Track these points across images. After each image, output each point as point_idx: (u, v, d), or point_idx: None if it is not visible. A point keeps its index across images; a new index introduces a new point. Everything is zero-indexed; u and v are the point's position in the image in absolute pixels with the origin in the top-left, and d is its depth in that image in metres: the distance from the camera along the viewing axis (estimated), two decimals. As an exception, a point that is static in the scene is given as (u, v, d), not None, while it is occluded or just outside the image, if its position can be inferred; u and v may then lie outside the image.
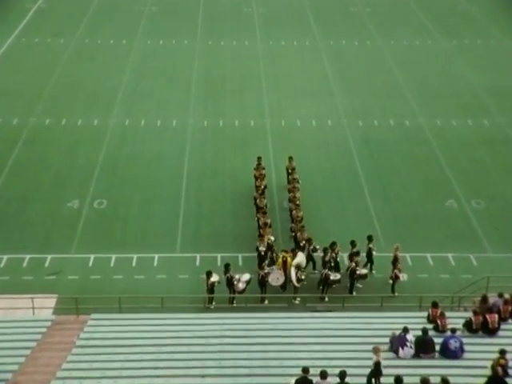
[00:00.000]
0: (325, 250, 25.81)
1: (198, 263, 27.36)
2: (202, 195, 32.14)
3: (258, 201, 28.93)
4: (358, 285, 25.73)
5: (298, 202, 28.67)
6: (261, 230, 27.22)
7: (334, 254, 25.75)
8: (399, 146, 36.42)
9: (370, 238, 26.32)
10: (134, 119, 39.03)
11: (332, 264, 25.65)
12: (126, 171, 34.05)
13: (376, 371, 17.81)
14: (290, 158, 31.14)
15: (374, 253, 26.29)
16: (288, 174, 30.86)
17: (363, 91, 42.60)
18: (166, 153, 35.67)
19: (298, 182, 29.84)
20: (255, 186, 30.05)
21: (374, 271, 26.38)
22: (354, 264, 25.36)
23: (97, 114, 39.39)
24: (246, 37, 51.32)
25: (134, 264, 27.34)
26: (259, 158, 31.35)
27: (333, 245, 25.88)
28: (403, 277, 25.33)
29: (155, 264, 27.36)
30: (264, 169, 30.93)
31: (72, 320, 22.32)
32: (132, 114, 39.59)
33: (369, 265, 26.43)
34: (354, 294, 25.28)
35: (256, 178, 30.49)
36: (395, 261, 25.81)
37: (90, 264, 27.31)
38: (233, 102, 41.19)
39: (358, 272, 25.34)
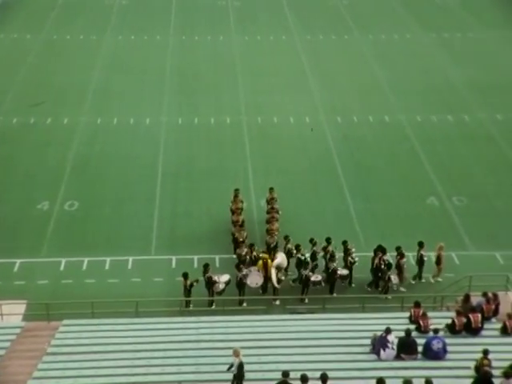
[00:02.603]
0: (297, 250, 25.84)
1: (173, 265, 27.26)
2: (177, 195, 32.03)
3: (237, 235, 27.03)
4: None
5: (276, 233, 27.17)
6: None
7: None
8: (379, 143, 36.62)
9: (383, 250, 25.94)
10: (105, 117, 38.78)
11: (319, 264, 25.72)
12: (98, 171, 33.82)
13: (239, 374, 17.84)
14: (271, 189, 29.02)
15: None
16: (267, 203, 28.79)
17: (342, 87, 42.75)
18: (140, 152, 35.49)
19: (277, 212, 28.10)
20: (232, 220, 28.04)
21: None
22: (334, 264, 25.42)
23: (67, 113, 39.08)
24: (220, 31, 51.24)
25: (107, 267, 27.15)
26: (236, 190, 29.07)
27: (299, 245, 25.93)
28: (395, 279, 25.42)
29: (129, 267, 27.20)
30: (242, 202, 28.77)
31: (43, 326, 22.12)
32: (104, 112, 39.35)
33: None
34: (335, 294, 25.36)
35: (233, 211, 28.29)
36: (439, 261, 25.97)
37: (61, 268, 27.08)
38: (208, 99, 41.10)
39: (338, 272, 25.41)
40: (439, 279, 26.29)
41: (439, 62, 46.29)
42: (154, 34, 50.43)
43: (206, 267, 24.75)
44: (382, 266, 25.44)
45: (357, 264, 25.86)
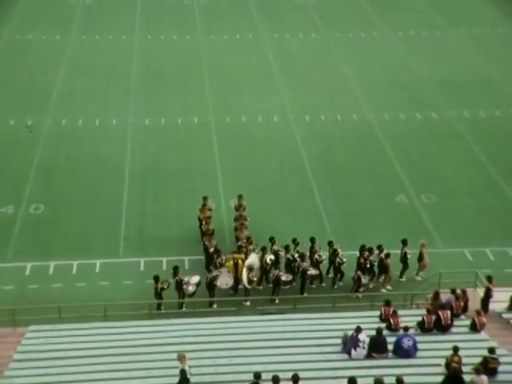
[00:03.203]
0: (263, 249, 25.87)
1: (142, 268, 27.14)
2: (145, 197, 31.88)
3: (207, 243, 26.67)
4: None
5: (244, 241, 26.72)
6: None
7: (289, 255, 25.86)
8: (347, 142, 36.83)
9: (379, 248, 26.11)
10: (70, 119, 38.43)
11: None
12: (64, 173, 33.51)
13: (183, 379, 17.85)
14: (240, 196, 28.64)
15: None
16: (236, 210, 28.45)
17: (309, 85, 42.91)
18: (106, 153, 35.24)
19: (245, 219, 27.80)
20: (201, 230, 27.71)
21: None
22: (305, 264, 25.50)
23: (31, 114, 38.62)
24: (186, 30, 51.08)
25: (74, 271, 26.92)
26: (204, 199, 28.51)
27: (288, 246, 26.02)
28: (365, 278, 25.57)
29: (97, 270, 27.01)
30: (210, 210, 28.31)
31: (8, 333, 21.87)
32: (69, 114, 38.98)
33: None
34: (306, 294, 25.45)
35: (200, 220, 27.88)
36: (421, 257, 26.23)
37: (27, 272, 26.77)
38: (175, 99, 40.98)
39: (309, 272, 25.50)
40: (418, 278, 26.49)
41: (406, 59, 46.72)
42: (119, 33, 50.08)
43: (175, 269, 24.67)
44: (368, 266, 25.54)
45: (345, 265, 25.88)
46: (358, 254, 25.92)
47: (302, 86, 42.78)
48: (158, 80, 43.30)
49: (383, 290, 25.86)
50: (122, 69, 44.64)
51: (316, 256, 25.99)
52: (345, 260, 25.97)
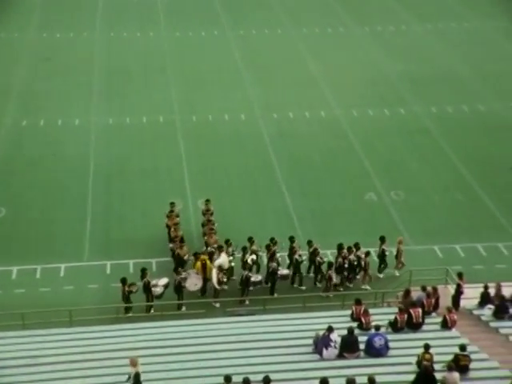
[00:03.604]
0: (244, 250, 25.93)
1: (108, 271, 26.97)
2: (111, 198, 31.67)
3: (178, 251, 26.27)
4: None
5: (215, 246, 26.62)
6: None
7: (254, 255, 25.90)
8: (315, 139, 36.97)
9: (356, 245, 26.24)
10: (31, 119, 38.00)
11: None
12: (26, 175, 33.13)
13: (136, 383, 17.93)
14: (207, 201, 28.43)
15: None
16: (204, 215, 28.25)
17: (276, 82, 42.98)
18: (69, 154, 34.92)
19: (213, 224, 27.55)
20: (169, 236, 27.45)
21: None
22: (274, 264, 25.54)
23: (-10, 115, 38.17)
24: (150, 27, 50.83)
25: (37, 276, 26.63)
26: (172, 205, 28.19)
27: (269, 245, 25.96)
28: (336, 278, 25.65)
29: (61, 274, 26.76)
30: (178, 216, 27.99)
31: (-29, 341, 21.54)
32: (29, 114, 38.53)
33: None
34: (276, 295, 25.49)
35: (169, 227, 27.65)
36: (398, 254, 26.41)
37: (-11, 278, 26.46)
38: (139, 98, 40.75)
39: (279, 272, 25.55)
40: (397, 274, 26.69)
41: (373, 55, 47.06)
42: (80, 30, 49.65)
43: (143, 272, 24.57)
44: (346, 266, 25.65)
45: (325, 264, 25.90)
46: (331, 253, 25.98)
47: (268, 83, 42.82)
48: (122, 78, 43.00)
49: (363, 287, 25.95)
50: (83, 67, 44.24)
51: (296, 256, 26.02)
52: (325, 259, 26.04)
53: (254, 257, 25.82)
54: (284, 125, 38.32)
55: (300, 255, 26.05)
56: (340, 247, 25.91)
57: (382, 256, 26.58)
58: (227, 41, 48.96)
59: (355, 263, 25.85)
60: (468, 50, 47.83)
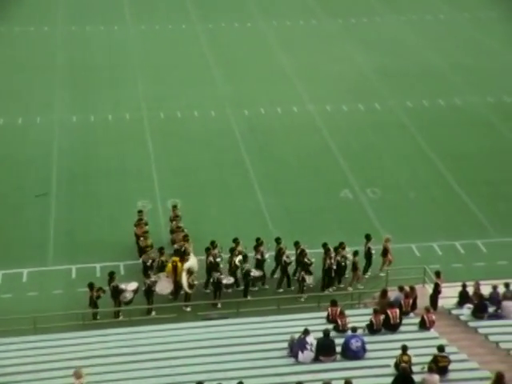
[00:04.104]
0: (231, 251, 25.86)
1: (74, 276, 26.83)
2: (75, 200, 31.47)
3: (144, 258, 26.09)
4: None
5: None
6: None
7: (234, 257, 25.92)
8: (288, 135, 37.08)
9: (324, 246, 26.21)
10: (-10, 118, 37.70)
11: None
12: (-15, 177, 32.83)
13: None
14: (174, 207, 28.25)
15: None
16: (171, 222, 27.99)
17: (247, 77, 43.03)
18: (31, 154, 34.62)
19: (182, 230, 27.10)
20: (139, 246, 27.00)
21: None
22: (247, 265, 25.60)
23: None
24: (115, 21, 50.53)
25: (-1, 282, 26.42)
26: (140, 213, 27.94)
27: (257, 246, 26.01)
28: (309, 279, 25.70)
29: (24, 280, 26.54)
30: (147, 225, 27.55)
31: None
32: (-12, 113, 38.21)
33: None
34: (249, 297, 25.55)
35: (138, 236, 27.21)
36: (386, 252, 26.55)
37: None
38: (104, 95, 40.54)
39: (252, 274, 25.61)
40: (383, 274, 26.75)
41: (347, 48, 47.28)
42: (41, 24, 49.21)
43: (111, 275, 24.48)
44: (334, 267, 25.70)
45: (313, 265, 25.89)
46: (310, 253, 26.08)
47: (239, 78, 42.87)
48: (85, 74, 42.74)
49: (349, 288, 26.14)
50: (44, 63, 43.90)
51: (284, 258, 26.01)
52: (313, 260, 26.07)
53: (240, 258, 25.85)
54: (255, 121, 38.37)
55: (288, 256, 26.05)
56: (327, 248, 25.93)
57: (368, 255, 26.71)
58: (196, 34, 48.88)
59: (342, 264, 25.92)
60: (444, 42, 48.29)
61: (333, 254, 25.78)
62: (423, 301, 23.43)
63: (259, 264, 25.95)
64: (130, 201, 30.80)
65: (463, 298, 23.33)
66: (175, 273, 25.18)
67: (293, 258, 26.13)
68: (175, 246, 26.45)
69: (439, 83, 42.71)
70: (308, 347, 19.91)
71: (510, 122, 38.37)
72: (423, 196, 32.33)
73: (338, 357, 20.13)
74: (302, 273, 25.65)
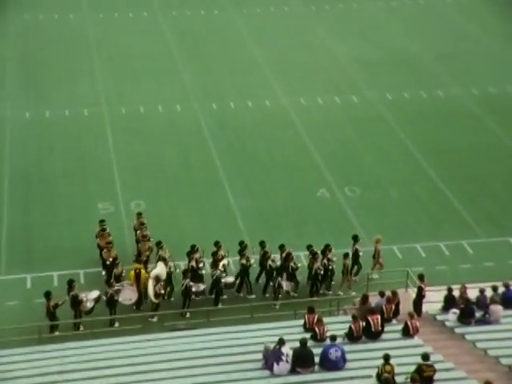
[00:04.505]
0: (214, 255, 25.89)
1: (29, 285, 26.66)
2: (30, 203, 31.25)
3: (104, 256, 26.34)
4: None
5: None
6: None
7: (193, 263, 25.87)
8: (260, 131, 37.13)
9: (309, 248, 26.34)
10: None
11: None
12: None
13: None
14: (139, 215, 28.00)
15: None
16: (135, 231, 27.74)
17: (215, 69, 43.01)
18: (-19, 154, 34.40)
19: (149, 239, 26.83)
20: (102, 259, 26.72)
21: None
22: (218, 271, 25.57)
23: None
24: (70, 8, 50.17)
25: None
26: (102, 223, 27.54)
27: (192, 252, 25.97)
28: (287, 286, 25.71)
29: (-26, 291, 26.35)
30: (110, 235, 27.21)
31: None
32: None
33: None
34: (220, 306, 25.52)
35: (101, 248, 26.98)
36: (377, 254, 26.68)
37: None
38: (60, 89, 40.29)
39: (223, 280, 25.59)
40: (375, 276, 26.91)
41: (322, 37, 47.45)
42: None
43: (70, 284, 24.32)
44: (322, 272, 25.71)
45: (299, 270, 25.99)
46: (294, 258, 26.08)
47: (206, 70, 42.82)
48: (39, 66, 42.44)
49: (340, 293, 26.24)
50: (-6, 55, 43.57)
51: (269, 262, 25.94)
52: (299, 265, 26.11)
53: (225, 262, 25.88)
54: (225, 116, 38.37)
55: (273, 260, 26.01)
56: (314, 252, 25.92)
57: (355, 257, 26.80)
58: (158, 23, 48.75)
59: (330, 268, 25.97)
60: (424, 29, 48.68)
61: (320, 258, 25.82)
62: (406, 306, 23.55)
63: (245, 270, 25.99)
64: (90, 203, 30.63)
65: (449, 302, 23.48)
66: (138, 281, 25.09)
67: (279, 263, 26.08)
68: (142, 256, 26.29)
69: (421, 74, 43.07)
70: (284, 358, 19.89)
71: (496, 114, 38.82)
72: (405, 194, 32.55)
73: (316, 368, 20.13)
74: (279, 279, 25.66)
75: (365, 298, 23.07)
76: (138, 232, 27.52)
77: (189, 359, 20.65)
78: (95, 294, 24.71)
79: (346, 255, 26.24)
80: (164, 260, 25.75)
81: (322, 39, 47.16)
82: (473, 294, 23.51)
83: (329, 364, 20.03)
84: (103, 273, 26.35)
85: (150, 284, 24.90)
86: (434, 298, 24.21)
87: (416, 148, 35.80)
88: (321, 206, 31.66)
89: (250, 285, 26.35)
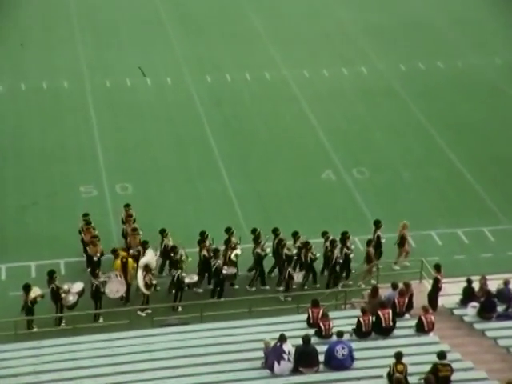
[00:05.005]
0: (226, 243, 25.98)
1: (4, 277, 26.67)
2: (4, 185, 31.20)
3: (89, 251, 26.10)
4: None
5: None
6: None
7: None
8: (259, 106, 37.03)
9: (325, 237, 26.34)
10: None
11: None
12: None
13: None
14: (127, 206, 27.68)
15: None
16: (123, 223, 27.50)
17: (210, 37, 42.89)
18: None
19: (138, 233, 26.47)
20: (87, 256, 26.44)
21: None
22: (219, 261, 25.50)
23: None
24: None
25: None
26: (86, 216, 27.01)
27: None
28: (298, 277, 25.73)
29: None
30: (95, 229, 26.80)
31: None
32: None
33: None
34: (222, 299, 25.39)
35: (85, 244, 26.58)
36: (403, 241, 26.69)
37: None
38: (38, 59, 40.21)
39: (224, 271, 25.53)
40: (397, 267, 26.87)
41: (327, 3, 47.23)
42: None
43: (51, 275, 24.25)
44: (340, 261, 25.74)
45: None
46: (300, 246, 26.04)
47: (200, 39, 42.71)
48: (14, 34, 42.26)
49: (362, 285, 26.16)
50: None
51: (285, 251, 25.77)
52: (318, 255, 26.02)
53: (238, 251, 25.98)
54: (221, 90, 38.26)
55: (289, 248, 26.00)
56: (332, 239, 25.94)
57: (377, 244, 26.79)
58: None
59: (351, 256, 26.07)
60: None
61: (339, 246, 25.88)
62: (420, 299, 23.48)
63: (260, 260, 26.06)
64: (71, 186, 30.55)
65: (467, 295, 23.45)
66: (125, 270, 25.06)
67: (295, 251, 26.14)
68: (131, 251, 26.16)
69: (437, 42, 42.95)
70: (285, 357, 19.93)
71: (522, 86, 38.80)
72: (419, 176, 32.48)
73: (321, 367, 20.13)
74: (290, 269, 25.62)
75: (375, 291, 23.02)
76: (126, 225, 27.29)
77: (180, 358, 20.66)
78: (79, 286, 24.65)
79: (369, 242, 26.34)
80: (170, 248, 25.71)
81: (327, 5, 46.99)
82: (494, 285, 23.47)
83: (335, 363, 20.04)
84: (88, 269, 26.21)
85: (140, 274, 24.87)
86: (451, 291, 24.21)
87: (432, 125, 35.71)
88: (326, 189, 31.61)
89: (263, 276, 26.32)
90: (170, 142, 34.31)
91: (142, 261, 25.15)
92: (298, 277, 25.77)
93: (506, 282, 23.35)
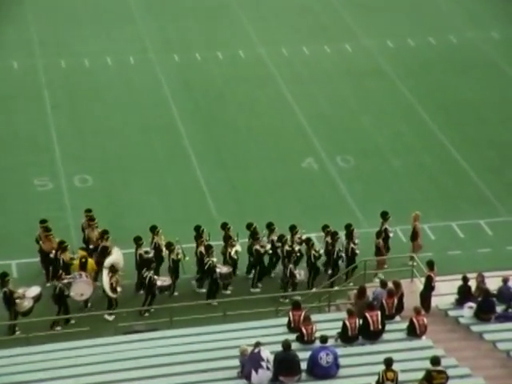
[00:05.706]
0: (226, 240, 26.14)
1: (-51, 280, 26.51)
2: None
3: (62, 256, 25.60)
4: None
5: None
6: None
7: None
8: (233, 88, 37.10)
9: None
10: None
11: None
12: None
13: None
14: (88, 212, 27.02)
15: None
16: (83, 230, 27.10)
17: (176, 12, 42.88)
18: None
19: (106, 238, 26.21)
20: (44, 265, 26.36)
21: None
22: (211, 260, 25.53)
23: None
24: None
25: None
26: (44, 223, 26.51)
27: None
28: (300, 274, 25.88)
29: None
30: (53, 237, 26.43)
31: None
32: None
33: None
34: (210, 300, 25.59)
35: (44, 253, 26.26)
36: (415, 235, 26.95)
37: None
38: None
39: (218, 270, 25.58)
40: (410, 263, 26.78)
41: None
42: None
43: (3, 278, 24.19)
44: (340, 255, 26.04)
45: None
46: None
47: (166, 14, 42.73)
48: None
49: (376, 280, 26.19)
50: None
51: (286, 247, 25.88)
52: (321, 252, 26.15)
53: (238, 248, 26.19)
54: (189, 70, 38.32)
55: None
56: (333, 232, 26.15)
57: (385, 237, 27.02)
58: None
59: (357, 252, 26.35)
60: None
61: (345, 241, 26.17)
62: (412, 300, 23.64)
63: (259, 258, 26.23)
64: (23, 178, 30.45)
65: (463, 294, 23.54)
66: (84, 271, 25.06)
67: (297, 248, 26.26)
68: (91, 246, 26.25)
69: (429, 16, 43.12)
70: (264, 364, 19.93)
71: (521, 63, 39.05)
72: (410, 164, 32.69)
73: (304, 376, 20.20)
74: (291, 266, 25.71)
75: (362, 291, 23.05)
76: (89, 230, 26.84)
77: (147, 367, 20.60)
78: (35, 290, 24.61)
79: (378, 234, 26.63)
80: (165, 246, 25.71)
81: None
82: (493, 284, 23.59)
83: (319, 371, 20.08)
84: (43, 271, 26.19)
85: (105, 275, 24.92)
86: (445, 290, 24.31)
87: (423, 107, 35.90)
88: (307, 179, 31.76)
89: (263, 275, 26.54)
90: (134, 128, 34.31)
91: (108, 261, 25.16)
92: (301, 274, 25.92)
93: (506, 280, 23.50)
